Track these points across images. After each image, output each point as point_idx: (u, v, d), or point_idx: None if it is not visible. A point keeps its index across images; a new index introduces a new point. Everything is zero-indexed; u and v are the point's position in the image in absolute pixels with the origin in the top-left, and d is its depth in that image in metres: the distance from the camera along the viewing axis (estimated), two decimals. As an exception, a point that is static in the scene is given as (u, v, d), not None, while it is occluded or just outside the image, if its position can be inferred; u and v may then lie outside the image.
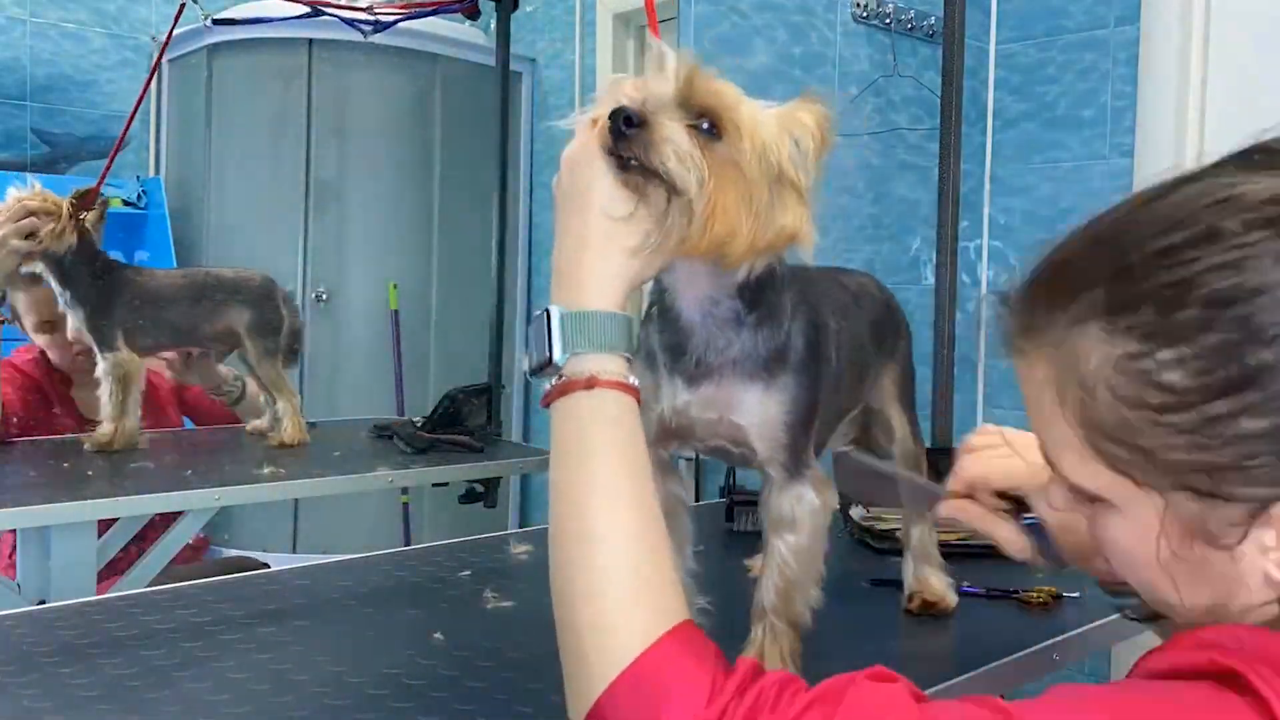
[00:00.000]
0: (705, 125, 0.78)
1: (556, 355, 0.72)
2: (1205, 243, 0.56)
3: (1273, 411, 0.55)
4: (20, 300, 2.07)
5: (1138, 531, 0.62)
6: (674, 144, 0.75)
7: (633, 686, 0.63)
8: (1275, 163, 0.58)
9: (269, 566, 1.73)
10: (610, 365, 0.73)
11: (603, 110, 0.76)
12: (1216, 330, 0.55)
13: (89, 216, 1.93)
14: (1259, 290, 0.55)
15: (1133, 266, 0.58)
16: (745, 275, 0.84)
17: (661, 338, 0.90)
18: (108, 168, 2.03)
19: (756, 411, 0.89)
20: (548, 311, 0.74)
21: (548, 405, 0.75)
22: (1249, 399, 0.55)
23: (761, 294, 0.88)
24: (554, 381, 0.73)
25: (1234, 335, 0.55)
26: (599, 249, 0.74)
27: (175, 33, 2.11)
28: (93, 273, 1.95)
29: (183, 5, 2.13)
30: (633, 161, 0.75)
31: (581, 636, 0.68)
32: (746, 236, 0.77)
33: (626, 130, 0.74)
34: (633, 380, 0.74)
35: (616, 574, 0.68)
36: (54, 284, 1.92)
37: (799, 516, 0.93)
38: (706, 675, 0.62)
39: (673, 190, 0.75)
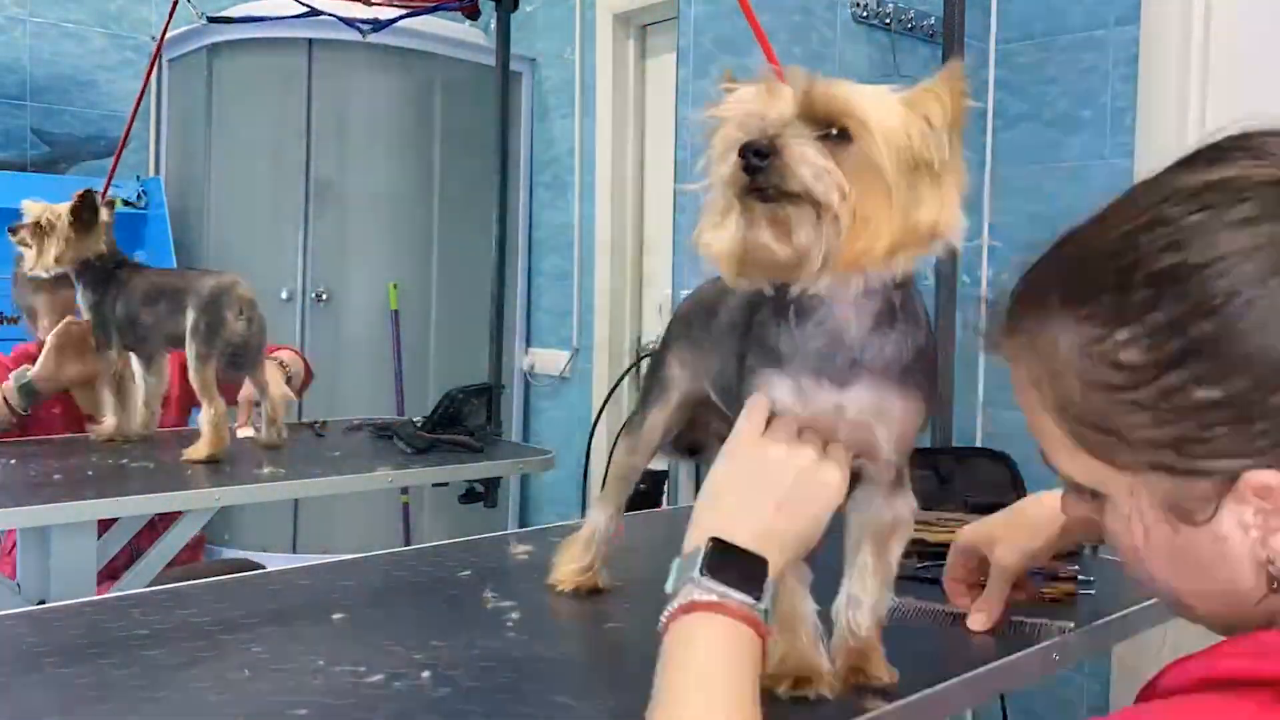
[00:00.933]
0: (834, 132, 0.77)
1: (692, 581, 0.74)
2: (1150, 229, 0.61)
3: (1223, 380, 0.57)
4: (41, 300, 2.10)
5: (1128, 520, 0.64)
6: (808, 163, 0.75)
7: None
8: (1220, 157, 0.61)
9: (264, 568, 1.73)
10: (747, 608, 0.74)
11: (720, 151, 0.80)
12: (1163, 307, 0.59)
13: (104, 216, 1.97)
14: (1199, 266, 0.58)
15: (1090, 259, 0.63)
16: (896, 274, 0.82)
17: (804, 338, 0.86)
18: (113, 170, 2.04)
19: (899, 417, 0.87)
20: (715, 540, 0.76)
21: (666, 627, 0.75)
22: (1199, 369, 0.58)
23: (903, 295, 0.86)
24: (694, 598, 0.74)
25: (1180, 309, 0.58)
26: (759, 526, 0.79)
27: (175, 33, 2.11)
28: (105, 273, 1.98)
29: (176, 2, 2.12)
30: (771, 191, 0.75)
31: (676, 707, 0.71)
32: (889, 237, 0.76)
33: (759, 163, 0.75)
34: (760, 610, 0.75)
35: None
36: (77, 286, 2.00)
37: (902, 524, 0.92)
38: None
39: (818, 208, 0.75)
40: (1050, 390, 0.65)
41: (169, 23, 2.16)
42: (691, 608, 0.73)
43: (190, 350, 1.92)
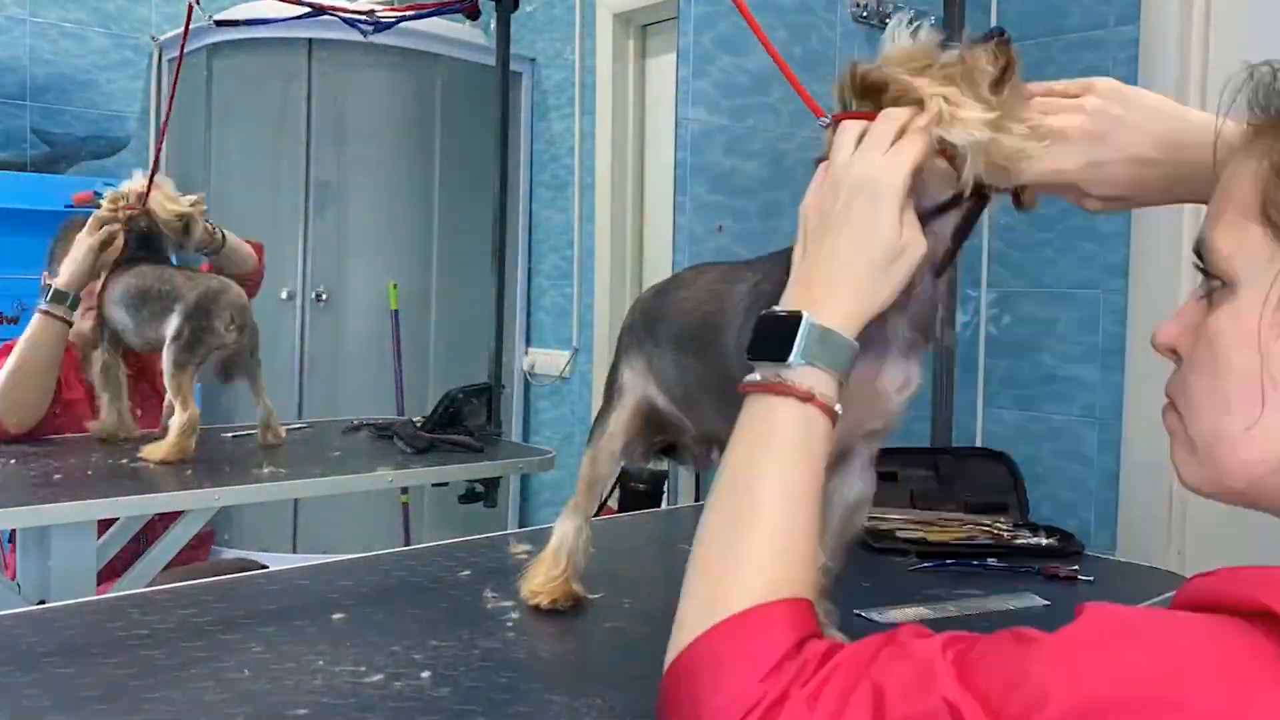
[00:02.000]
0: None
1: (793, 356, 0.76)
2: None
3: None
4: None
5: (1246, 311, 0.66)
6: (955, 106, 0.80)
7: (726, 634, 0.67)
8: None
9: (266, 567, 1.73)
10: (830, 390, 0.76)
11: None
12: None
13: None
14: None
15: None
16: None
17: (901, 315, 0.85)
18: (153, 173, 2.09)
19: (914, 390, 0.90)
20: (797, 314, 0.77)
21: (747, 393, 0.78)
22: None
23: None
24: (771, 377, 0.76)
25: None
26: (861, 284, 0.78)
27: (175, 32, 2.11)
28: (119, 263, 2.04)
29: (191, 11, 2.13)
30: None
31: (707, 576, 0.72)
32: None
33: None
34: (839, 409, 0.77)
35: (763, 534, 0.72)
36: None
37: (869, 498, 0.99)
38: (781, 648, 0.66)
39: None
40: (1269, 166, 0.67)
41: (186, 33, 2.16)
42: (786, 390, 0.76)
43: (167, 356, 1.90)
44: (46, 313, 1.97)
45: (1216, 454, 0.69)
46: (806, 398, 0.75)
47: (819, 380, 0.76)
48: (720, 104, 2.29)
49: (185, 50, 3.07)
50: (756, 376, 0.78)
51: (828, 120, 1.01)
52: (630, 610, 1.16)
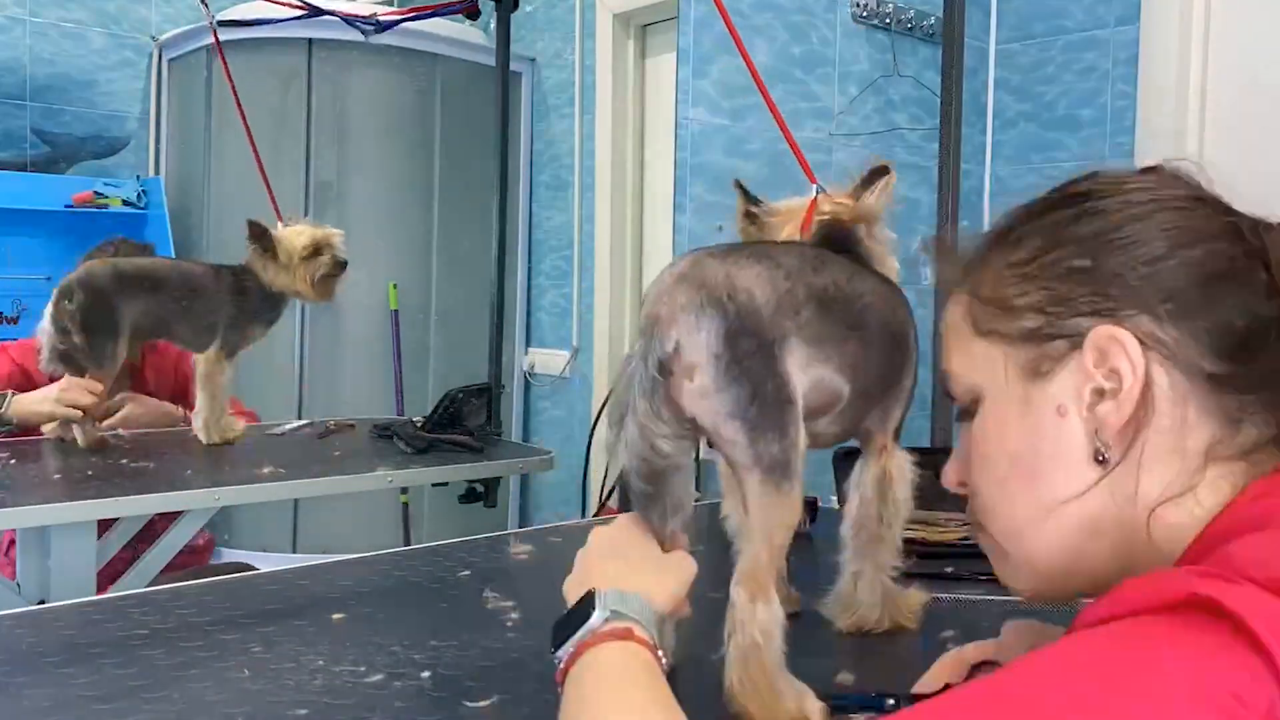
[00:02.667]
0: None
1: (594, 618, 0.73)
2: (1059, 190, 0.73)
3: (1096, 255, 0.66)
4: None
5: (996, 423, 0.70)
6: None
7: None
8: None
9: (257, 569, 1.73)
10: (644, 633, 0.73)
11: None
12: (1065, 210, 0.70)
13: None
14: (1103, 194, 0.69)
15: (1012, 216, 0.74)
16: None
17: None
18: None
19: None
20: (587, 593, 0.75)
21: (565, 672, 0.73)
22: (1081, 247, 0.67)
23: None
24: (580, 637, 0.73)
25: (1078, 211, 0.69)
26: (634, 573, 0.80)
27: (175, 32, 2.13)
28: None
29: (214, 26, 2.16)
30: None
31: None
32: None
33: None
34: (662, 655, 0.73)
35: None
36: None
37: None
38: None
39: None
40: (967, 290, 0.73)
41: (220, 50, 2.18)
42: (598, 638, 0.72)
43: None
44: None
45: (1023, 543, 0.70)
46: (626, 636, 0.72)
47: (634, 626, 0.73)
48: (720, 104, 2.29)
49: (186, 51, 3.09)
50: (562, 656, 0.73)
51: (821, 188, 1.12)
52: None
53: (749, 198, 1.20)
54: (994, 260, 0.72)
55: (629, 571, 0.80)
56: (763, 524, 0.83)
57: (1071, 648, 0.55)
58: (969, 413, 0.73)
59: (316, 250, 2.10)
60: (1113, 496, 0.65)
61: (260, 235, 2.06)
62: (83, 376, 1.91)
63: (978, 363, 0.71)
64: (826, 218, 1.13)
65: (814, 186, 1.14)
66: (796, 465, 0.83)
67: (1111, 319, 0.65)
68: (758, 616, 0.83)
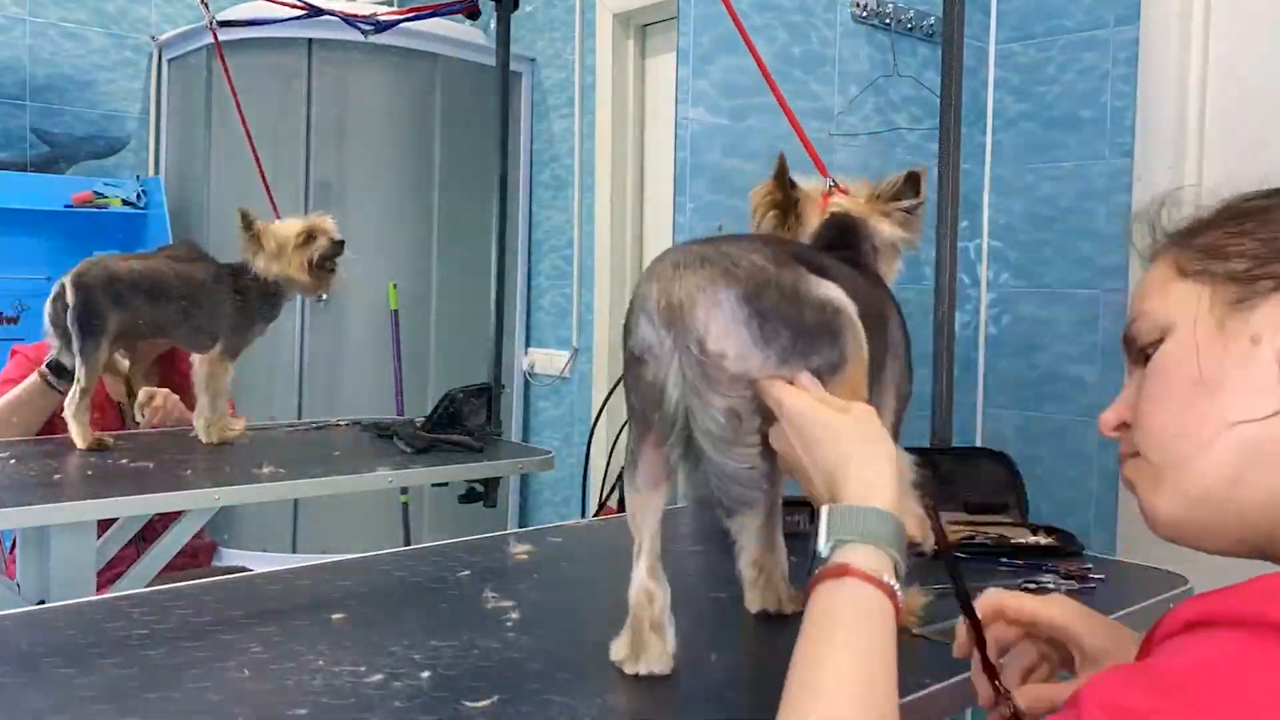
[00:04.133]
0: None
1: (820, 546, 0.73)
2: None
3: None
4: None
5: (1183, 347, 0.72)
6: None
7: None
8: None
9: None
10: (871, 561, 0.72)
11: None
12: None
13: None
14: None
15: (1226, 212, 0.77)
16: None
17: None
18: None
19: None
20: (879, 510, 0.74)
21: (818, 581, 0.73)
22: None
23: None
24: (860, 568, 0.72)
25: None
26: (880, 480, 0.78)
27: (175, 32, 2.13)
28: None
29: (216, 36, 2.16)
30: None
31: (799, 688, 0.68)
32: None
33: None
34: (890, 581, 0.72)
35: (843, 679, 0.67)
36: None
37: None
38: None
39: None
40: (1177, 253, 0.76)
41: (219, 50, 2.18)
42: (820, 576, 0.72)
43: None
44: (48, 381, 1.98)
45: (1186, 465, 0.72)
46: (841, 574, 0.71)
47: (857, 556, 0.72)
48: (720, 104, 2.29)
49: (186, 51, 3.08)
50: (820, 562, 0.74)
51: (834, 182, 1.14)
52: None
53: (784, 175, 1.21)
54: (1210, 235, 0.75)
55: (893, 481, 0.77)
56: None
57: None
58: (1146, 355, 0.76)
59: (310, 235, 2.09)
60: None
61: (249, 224, 2.06)
62: (68, 378, 1.91)
63: (1175, 299, 0.74)
64: (838, 210, 1.14)
65: (826, 181, 1.16)
66: (860, 354, 0.87)
67: None
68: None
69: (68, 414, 1.90)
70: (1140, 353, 0.77)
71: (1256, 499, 0.69)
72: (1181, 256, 0.76)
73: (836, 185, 1.19)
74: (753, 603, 1.11)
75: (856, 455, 0.78)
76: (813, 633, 0.70)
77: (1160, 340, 0.75)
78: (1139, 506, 0.77)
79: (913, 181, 1.18)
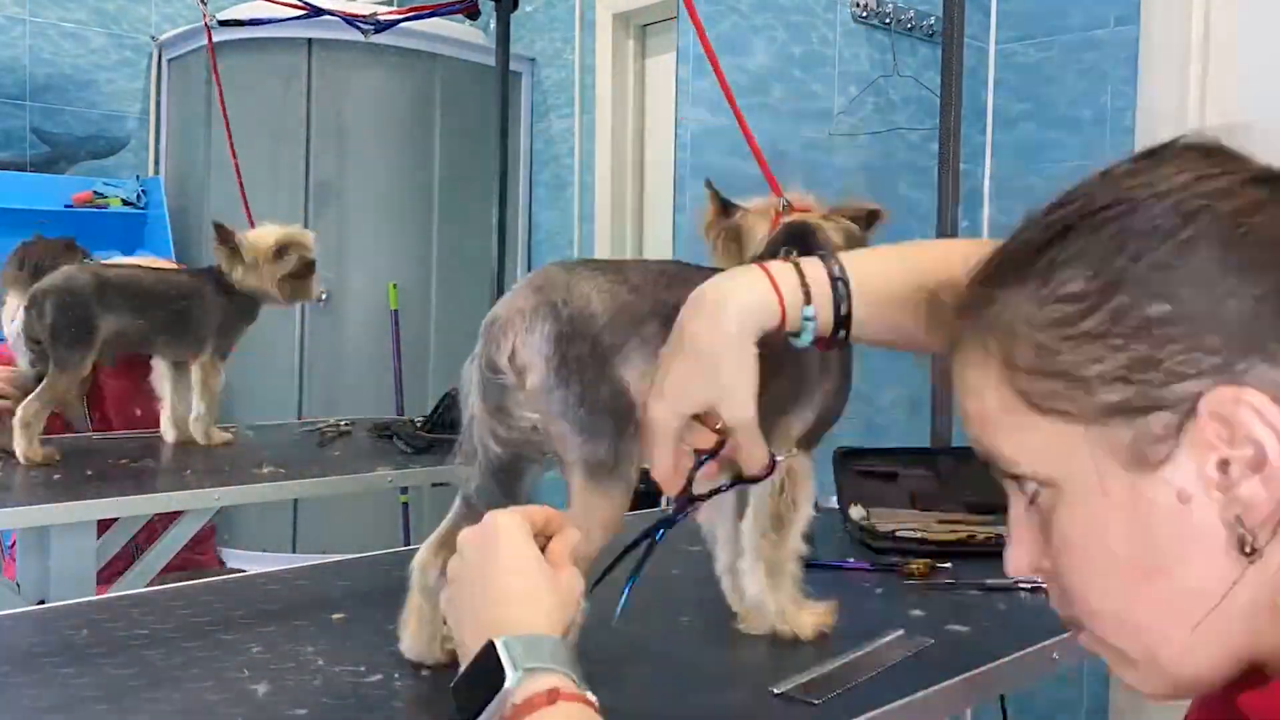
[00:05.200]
0: None
1: (508, 678, 0.63)
2: (1076, 196, 0.61)
3: (1171, 295, 0.54)
4: None
5: (1092, 518, 0.57)
6: None
7: None
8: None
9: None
10: (568, 684, 0.64)
11: None
12: (1103, 234, 0.57)
13: None
14: (1136, 201, 0.57)
15: (1023, 234, 0.61)
16: None
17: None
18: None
19: None
20: (487, 645, 0.65)
21: None
22: (1145, 287, 0.55)
23: None
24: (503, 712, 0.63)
25: (1119, 232, 0.56)
26: (527, 602, 0.69)
27: (174, 32, 2.13)
28: None
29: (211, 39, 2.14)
30: None
31: None
32: None
33: None
34: (592, 697, 0.65)
35: None
36: None
37: None
38: None
39: None
40: (997, 351, 0.59)
41: (211, 50, 2.17)
42: (521, 710, 0.62)
43: None
44: None
45: (1159, 652, 0.58)
46: (553, 699, 0.62)
47: (556, 680, 0.64)
48: (720, 104, 2.29)
49: (186, 51, 3.08)
50: None
51: (786, 203, 1.12)
52: (629, 611, 1.16)
53: (721, 201, 1.21)
54: (1017, 307, 0.59)
55: (525, 600, 0.69)
56: (582, 523, 0.80)
57: None
58: (1032, 498, 0.61)
59: (282, 250, 2.06)
60: (1263, 578, 0.55)
61: (226, 237, 2.03)
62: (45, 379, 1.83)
63: (1045, 449, 0.58)
64: (791, 220, 1.13)
65: (780, 200, 1.14)
66: (626, 470, 0.85)
67: (1225, 377, 0.53)
68: None
69: (17, 422, 1.77)
70: (1017, 482, 0.62)
71: (1263, 645, 0.57)
72: (1017, 375, 0.58)
73: (790, 204, 1.15)
74: (734, 604, 1.10)
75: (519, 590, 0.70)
76: None
77: (1048, 488, 0.59)
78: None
79: (871, 219, 1.14)
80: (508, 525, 0.72)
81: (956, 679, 0.97)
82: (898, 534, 1.49)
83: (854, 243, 1.12)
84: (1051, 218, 0.60)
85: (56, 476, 1.71)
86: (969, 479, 1.70)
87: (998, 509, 1.67)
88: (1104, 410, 0.55)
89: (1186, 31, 2.39)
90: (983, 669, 1.01)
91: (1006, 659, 1.04)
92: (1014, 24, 2.74)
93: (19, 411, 1.78)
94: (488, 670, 0.64)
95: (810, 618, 1.05)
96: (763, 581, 1.04)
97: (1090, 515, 0.58)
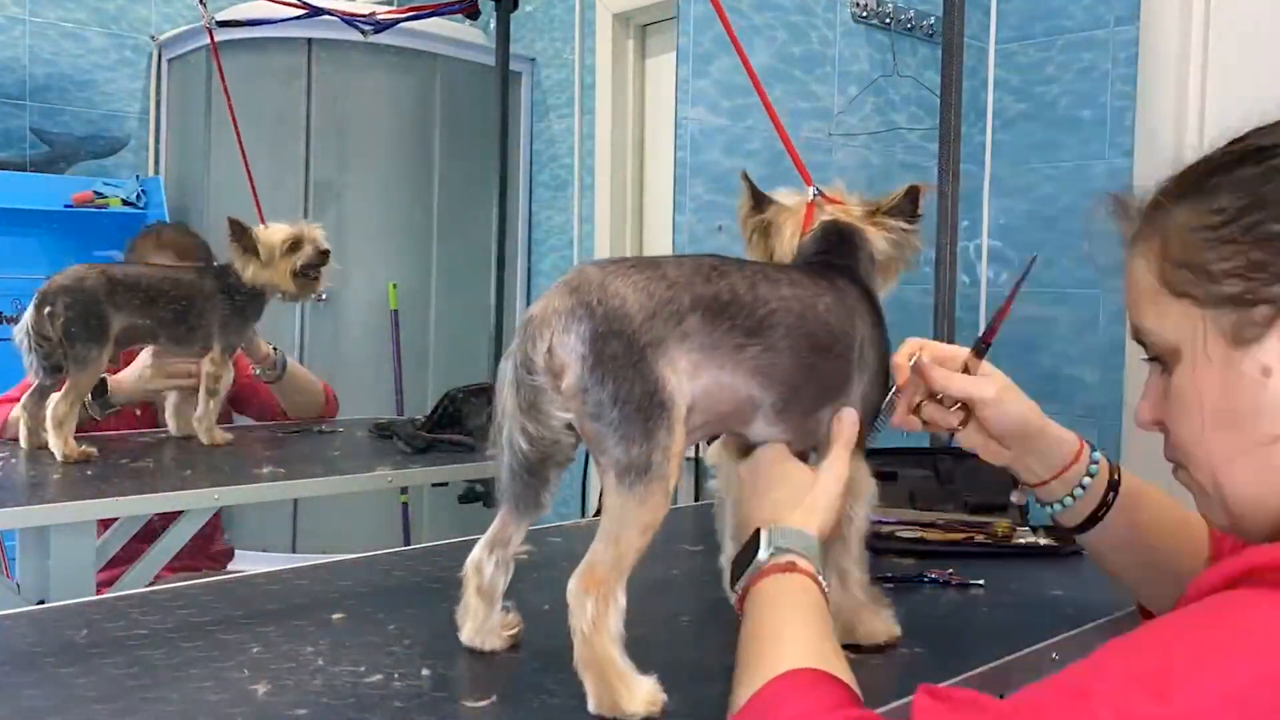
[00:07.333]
0: None
1: (761, 553, 0.85)
2: (1246, 138, 0.76)
3: None
4: None
5: (1198, 378, 0.74)
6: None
7: (789, 682, 0.73)
8: None
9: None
10: (806, 563, 0.85)
11: None
12: (1253, 166, 0.72)
13: None
14: None
15: (1200, 165, 0.77)
16: None
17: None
18: None
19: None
20: (755, 533, 0.87)
21: (743, 598, 0.85)
22: (1276, 210, 0.70)
23: None
24: (752, 575, 0.85)
25: (1269, 173, 0.71)
26: (788, 506, 0.91)
27: (174, 32, 2.14)
28: None
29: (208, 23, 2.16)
30: None
31: (761, 642, 0.79)
32: None
33: None
34: (825, 584, 0.85)
35: (799, 636, 0.79)
36: None
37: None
38: (842, 696, 0.72)
39: None
40: (1158, 247, 0.75)
41: (214, 50, 2.17)
42: (766, 572, 0.84)
43: None
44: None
45: (1222, 487, 0.75)
46: (789, 568, 0.84)
47: (795, 557, 0.85)
48: (720, 104, 2.29)
49: (186, 51, 3.08)
50: (737, 589, 0.86)
51: (818, 190, 1.12)
52: (630, 610, 1.16)
53: (756, 193, 1.18)
54: (1180, 216, 0.75)
55: (787, 504, 0.91)
56: (614, 522, 0.86)
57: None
58: (1163, 361, 0.78)
59: (297, 243, 2.09)
60: None
61: (241, 233, 2.06)
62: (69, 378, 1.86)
63: (1174, 322, 0.75)
64: (828, 219, 1.11)
65: (810, 189, 1.13)
66: (662, 469, 0.86)
67: None
68: (587, 611, 0.85)
69: (51, 422, 1.81)
70: (1156, 358, 0.79)
71: None
72: (1165, 266, 0.75)
73: (822, 193, 1.13)
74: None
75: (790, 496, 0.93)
76: (766, 611, 0.82)
77: (1172, 354, 0.76)
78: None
79: (912, 196, 1.12)
80: (769, 456, 0.96)
81: (956, 679, 0.97)
82: (898, 534, 1.49)
83: (903, 242, 1.12)
84: (1230, 149, 0.75)
85: (56, 476, 1.71)
86: (969, 479, 1.70)
87: (998, 509, 1.67)
88: (1222, 299, 0.72)
89: (1186, 31, 2.39)
90: (982, 669, 1.01)
91: (1006, 659, 1.04)
92: (1014, 24, 2.74)
93: (49, 411, 1.83)
94: (754, 549, 0.87)
95: (883, 625, 1.05)
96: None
97: (1196, 376, 0.74)
